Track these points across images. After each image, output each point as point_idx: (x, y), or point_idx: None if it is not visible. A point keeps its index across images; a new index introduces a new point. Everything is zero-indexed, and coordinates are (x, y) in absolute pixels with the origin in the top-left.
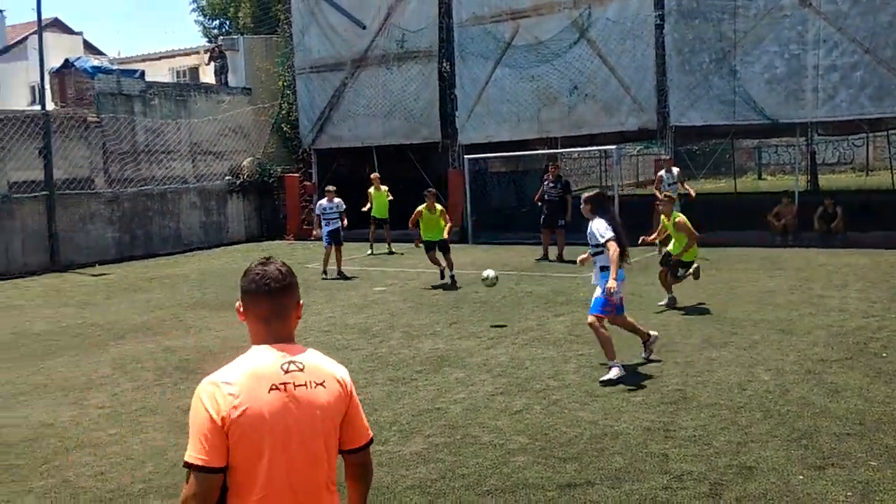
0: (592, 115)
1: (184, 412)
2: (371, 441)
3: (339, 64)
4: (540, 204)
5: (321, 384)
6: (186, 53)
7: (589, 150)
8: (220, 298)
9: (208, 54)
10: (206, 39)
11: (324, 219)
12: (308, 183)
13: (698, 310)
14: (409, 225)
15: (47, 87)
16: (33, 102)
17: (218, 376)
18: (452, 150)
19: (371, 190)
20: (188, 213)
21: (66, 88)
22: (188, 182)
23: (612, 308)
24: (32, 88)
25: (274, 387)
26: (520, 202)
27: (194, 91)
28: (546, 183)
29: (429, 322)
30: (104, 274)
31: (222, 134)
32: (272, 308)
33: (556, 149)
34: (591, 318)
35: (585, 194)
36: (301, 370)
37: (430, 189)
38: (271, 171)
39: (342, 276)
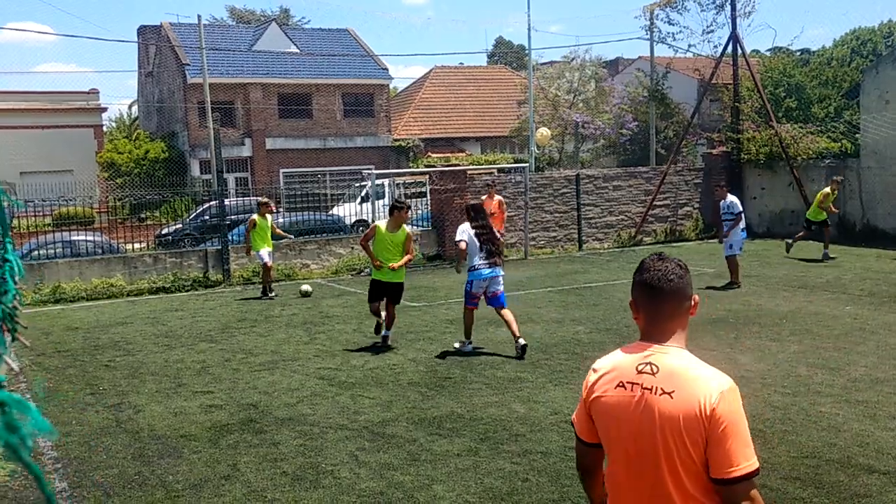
0: None
1: None
2: (739, 479)
3: None
4: None
5: (669, 393)
6: None
7: None
8: None
9: None
10: None
11: None
12: None
13: None
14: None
15: None
16: None
17: (597, 362)
18: None
19: None
20: None
21: None
22: None
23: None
24: None
25: (621, 384)
26: None
27: None
28: None
29: None
30: None
31: None
32: (649, 306)
33: None
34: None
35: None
36: (653, 374)
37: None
38: None
39: None
